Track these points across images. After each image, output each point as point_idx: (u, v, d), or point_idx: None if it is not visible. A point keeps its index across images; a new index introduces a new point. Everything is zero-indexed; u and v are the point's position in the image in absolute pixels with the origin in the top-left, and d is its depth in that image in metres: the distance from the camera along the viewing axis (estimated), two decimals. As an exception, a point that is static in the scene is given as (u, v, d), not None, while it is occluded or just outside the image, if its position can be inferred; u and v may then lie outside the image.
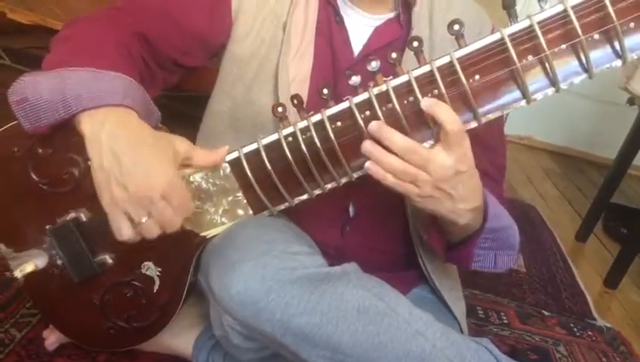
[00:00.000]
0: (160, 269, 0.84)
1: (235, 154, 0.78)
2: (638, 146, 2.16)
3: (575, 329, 1.56)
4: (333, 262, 0.83)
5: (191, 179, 0.79)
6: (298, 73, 0.93)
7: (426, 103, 0.71)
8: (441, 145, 0.72)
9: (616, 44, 0.69)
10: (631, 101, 2.00)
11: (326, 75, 0.95)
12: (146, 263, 0.84)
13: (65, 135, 0.76)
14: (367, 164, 0.74)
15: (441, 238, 0.90)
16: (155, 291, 0.86)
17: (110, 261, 0.83)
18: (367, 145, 0.73)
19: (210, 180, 0.79)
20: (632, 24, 0.68)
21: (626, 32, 0.68)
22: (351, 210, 0.98)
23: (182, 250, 0.83)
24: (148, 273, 0.85)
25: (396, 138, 0.72)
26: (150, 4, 0.93)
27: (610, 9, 0.66)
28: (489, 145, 0.96)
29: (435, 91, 0.72)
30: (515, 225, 0.92)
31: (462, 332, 1.01)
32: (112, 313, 0.88)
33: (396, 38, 0.96)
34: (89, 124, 0.72)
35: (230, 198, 0.80)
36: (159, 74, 0.93)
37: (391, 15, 0.96)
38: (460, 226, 0.82)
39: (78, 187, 0.79)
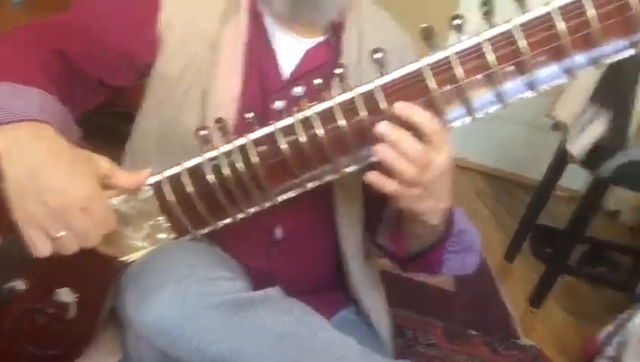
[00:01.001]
0: (77, 295, 0.81)
1: (157, 177, 0.76)
2: (562, 168, 2.26)
3: (499, 348, 1.61)
4: (259, 286, 0.82)
5: (110, 202, 0.77)
6: (226, 94, 0.93)
7: (399, 107, 0.71)
8: (430, 147, 0.72)
9: (528, 76, 0.72)
10: (555, 127, 2.09)
11: (255, 97, 0.95)
12: (61, 289, 0.81)
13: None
14: (370, 175, 0.74)
15: (405, 248, 0.92)
16: (71, 317, 0.82)
17: (23, 286, 0.79)
18: (381, 148, 0.72)
19: (131, 203, 0.77)
20: (542, 57, 0.71)
21: (536, 65, 0.71)
22: (278, 233, 0.98)
23: (100, 275, 0.80)
24: (64, 299, 0.81)
25: (410, 140, 0.71)
26: (74, 22, 0.91)
27: (522, 42, 0.69)
28: None
29: (359, 117, 0.73)
30: (473, 227, 0.95)
31: (388, 353, 1.02)
32: (26, 340, 0.84)
33: (326, 61, 0.97)
34: (3, 139, 0.69)
35: (151, 222, 0.79)
36: (81, 93, 0.91)
37: (321, 39, 0.98)
38: (430, 227, 0.82)
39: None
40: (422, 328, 1.58)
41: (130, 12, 0.93)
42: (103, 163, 0.73)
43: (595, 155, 1.86)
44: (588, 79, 1.80)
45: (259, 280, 0.93)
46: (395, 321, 1.41)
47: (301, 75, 0.96)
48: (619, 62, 0.73)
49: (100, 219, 0.70)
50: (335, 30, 0.98)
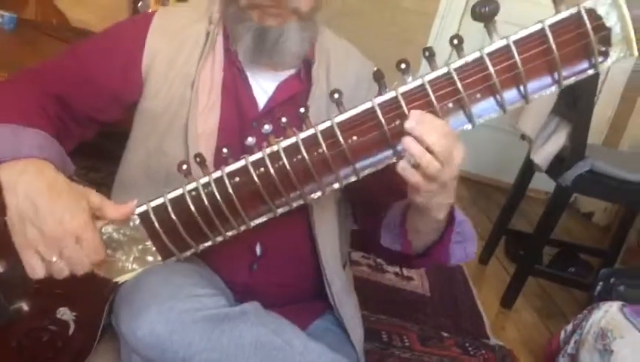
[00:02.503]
0: (75, 314, 0.90)
1: (143, 208, 0.86)
2: (531, 174, 2.37)
3: (470, 349, 1.70)
4: (242, 299, 0.92)
5: (103, 230, 0.86)
6: (206, 127, 1.03)
7: (414, 114, 0.77)
8: (451, 143, 0.78)
9: (467, 111, 0.82)
10: (522, 136, 2.21)
11: (233, 128, 1.05)
12: (61, 309, 0.90)
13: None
14: (401, 163, 0.79)
15: (412, 247, 0.99)
16: (70, 334, 0.91)
17: (26, 308, 0.88)
18: (410, 142, 0.77)
19: (121, 231, 0.87)
20: (478, 95, 0.82)
21: (473, 101, 0.81)
22: (258, 249, 1.06)
23: (96, 295, 0.89)
24: (64, 318, 0.90)
25: (434, 135, 0.76)
26: (65, 67, 1.01)
27: (459, 84, 0.80)
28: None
29: (320, 150, 0.83)
30: (467, 218, 1.00)
31: (358, 359, 1.12)
32: (29, 356, 0.92)
33: (298, 92, 1.07)
34: (7, 174, 0.79)
35: (140, 247, 0.88)
36: (75, 130, 1.01)
37: (292, 72, 1.08)
38: (435, 221, 0.90)
39: (-6, 242, 0.84)
40: (397, 332, 1.67)
41: (117, 56, 1.03)
42: (94, 197, 0.82)
43: (559, 165, 1.98)
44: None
45: (242, 294, 1.02)
46: (371, 326, 1.51)
47: (276, 105, 1.06)
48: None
49: (89, 249, 0.79)
50: (305, 63, 1.08)
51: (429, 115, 0.78)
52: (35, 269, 0.79)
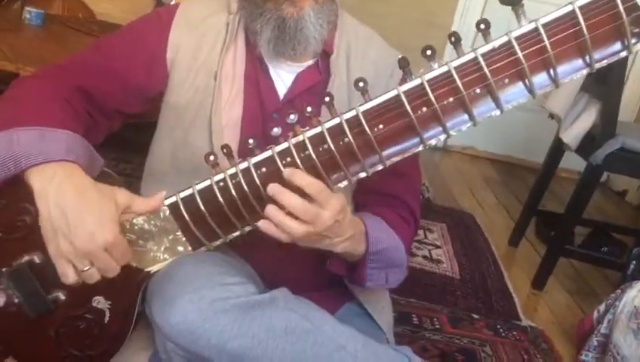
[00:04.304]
0: (110, 302, 0.93)
1: (172, 199, 0.87)
2: (560, 153, 2.34)
3: (501, 330, 1.70)
4: (271, 286, 0.93)
5: (134, 221, 0.88)
6: (230, 119, 1.03)
7: (286, 173, 0.81)
8: (316, 204, 0.82)
9: (495, 97, 0.81)
10: (551, 116, 2.17)
11: (256, 119, 1.05)
12: (96, 298, 0.92)
13: (16, 186, 0.85)
14: (260, 223, 0.84)
15: (342, 264, 1.02)
16: (106, 322, 0.94)
17: (63, 297, 0.91)
18: (271, 210, 0.82)
19: (152, 222, 0.88)
20: (506, 80, 0.81)
21: (501, 87, 0.80)
22: (284, 237, 1.08)
23: (129, 285, 0.91)
24: (99, 306, 0.93)
25: (294, 200, 0.81)
26: (91, 61, 1.02)
27: (486, 69, 0.79)
28: (402, 172, 1.06)
29: (346, 140, 0.83)
30: (400, 245, 1.04)
31: (387, 341, 1.13)
32: (67, 343, 0.96)
33: (316, 82, 1.07)
34: (38, 179, 0.81)
35: (171, 237, 0.89)
36: (103, 122, 1.03)
37: (311, 62, 1.07)
38: (339, 253, 0.93)
39: (31, 232, 0.87)
40: (427, 315, 1.68)
41: (142, 50, 1.04)
42: (123, 198, 0.84)
43: (589, 143, 1.94)
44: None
45: (271, 281, 1.04)
46: (401, 310, 1.52)
47: (294, 96, 1.06)
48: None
49: (119, 258, 0.83)
50: (323, 54, 1.07)
51: (296, 175, 0.81)
52: (67, 277, 0.83)
